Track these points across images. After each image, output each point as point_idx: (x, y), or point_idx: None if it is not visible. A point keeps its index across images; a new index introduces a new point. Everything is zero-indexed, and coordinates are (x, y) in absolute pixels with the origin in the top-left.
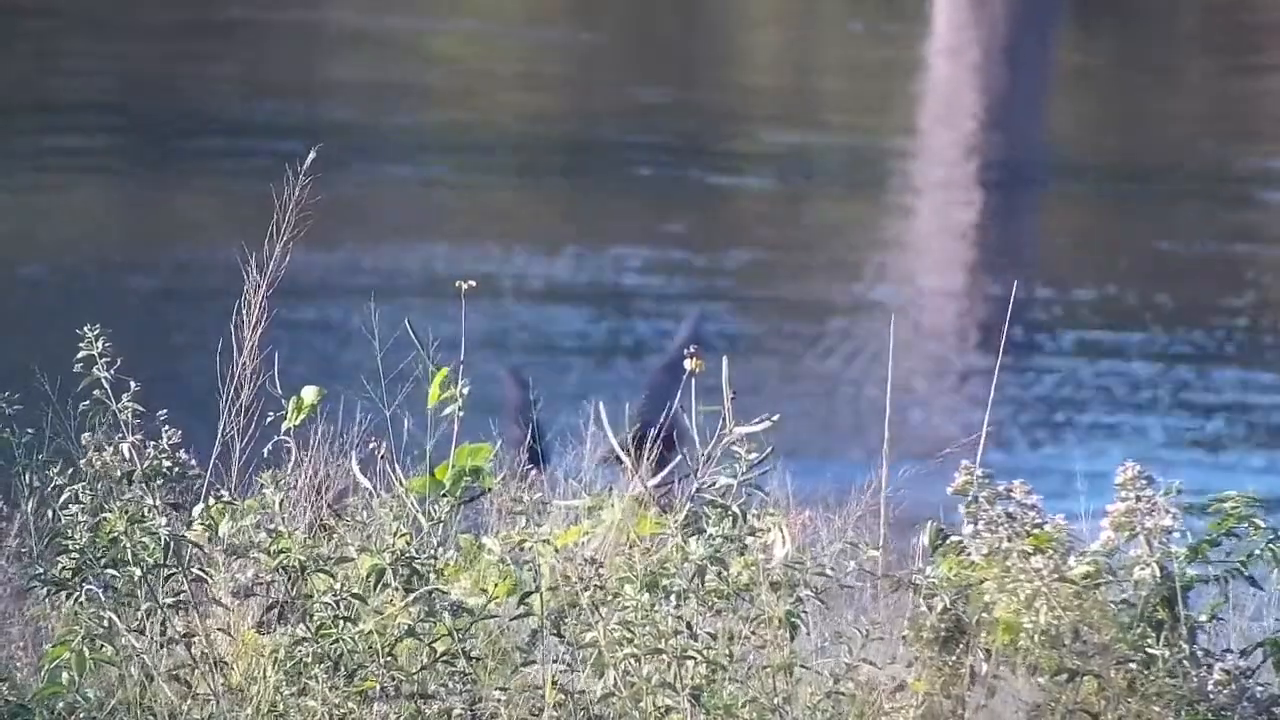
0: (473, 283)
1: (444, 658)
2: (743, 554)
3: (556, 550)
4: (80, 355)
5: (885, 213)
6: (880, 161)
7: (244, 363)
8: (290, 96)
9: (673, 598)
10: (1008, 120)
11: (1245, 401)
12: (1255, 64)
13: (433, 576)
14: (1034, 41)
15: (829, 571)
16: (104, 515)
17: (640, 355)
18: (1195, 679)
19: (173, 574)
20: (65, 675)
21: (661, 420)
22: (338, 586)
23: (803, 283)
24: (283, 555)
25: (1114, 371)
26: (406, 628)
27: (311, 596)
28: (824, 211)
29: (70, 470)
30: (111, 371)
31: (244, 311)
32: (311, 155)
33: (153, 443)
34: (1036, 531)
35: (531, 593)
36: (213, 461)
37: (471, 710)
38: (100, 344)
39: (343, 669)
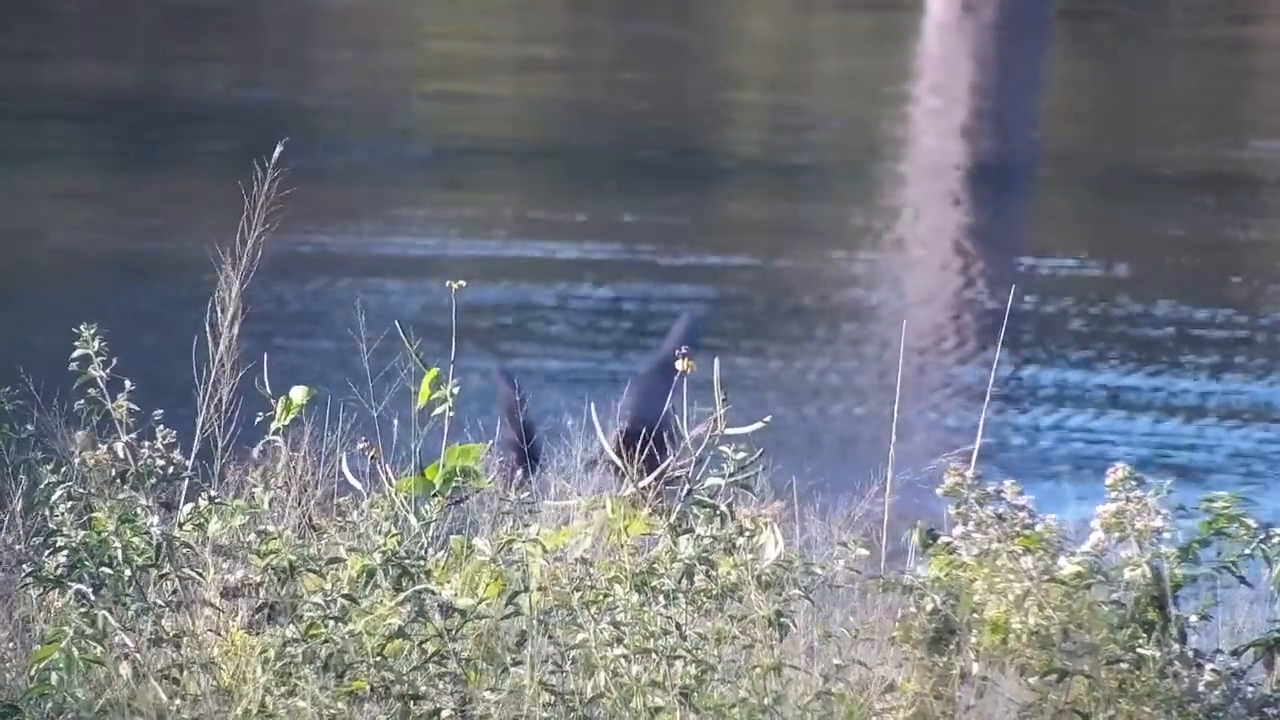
0: (462, 282)
1: (434, 658)
2: (731, 554)
3: (546, 551)
4: (75, 354)
5: (880, 205)
6: (875, 150)
7: (222, 358)
8: (281, 85)
9: (662, 598)
10: (1001, 109)
11: (1250, 401)
12: (1254, 40)
13: (423, 577)
14: (1028, 30)
15: (818, 570)
16: (94, 514)
17: (632, 354)
18: (1186, 679)
19: (164, 574)
20: (54, 675)
21: (653, 421)
22: (327, 587)
23: (797, 281)
24: (272, 555)
25: (1114, 370)
26: (396, 628)
27: (301, 597)
28: (818, 206)
29: (62, 468)
30: (107, 371)
31: (218, 308)
32: (279, 150)
33: (147, 442)
34: (1027, 532)
35: (521, 593)
36: (193, 459)
37: (461, 711)
38: (96, 343)
39: (332, 669)
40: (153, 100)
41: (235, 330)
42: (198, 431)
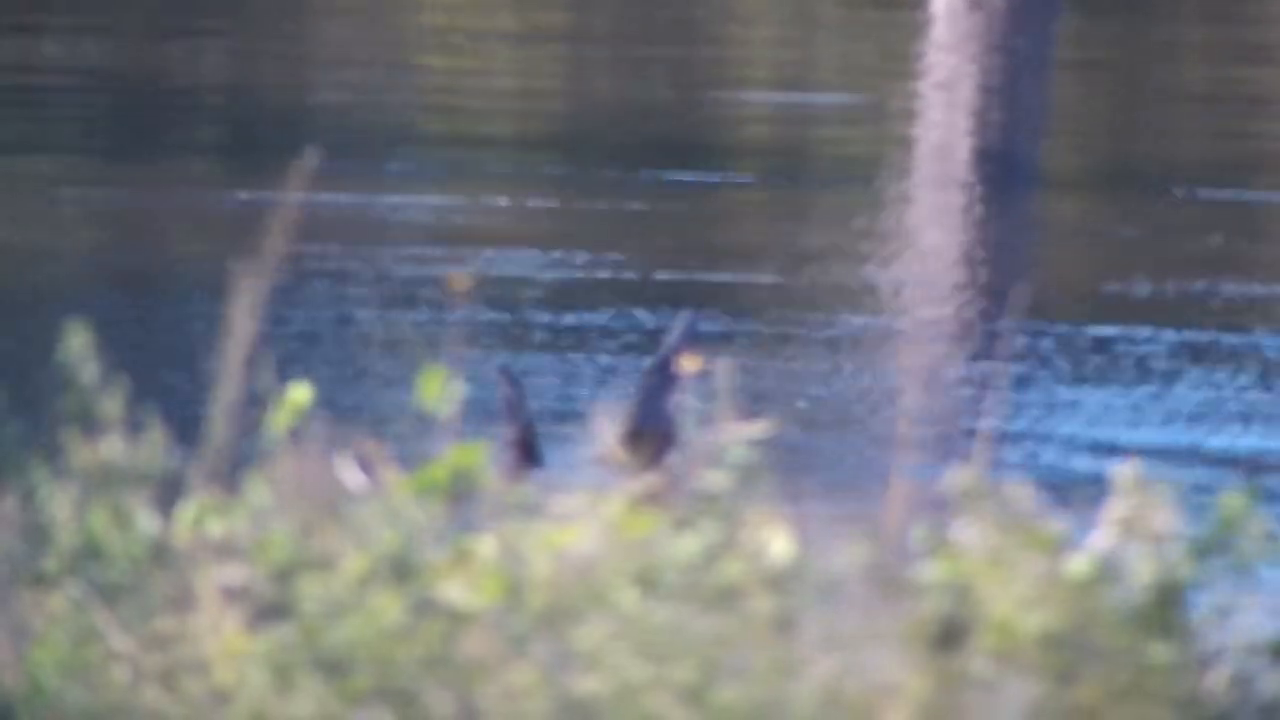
0: (465, 281)
1: (434, 658)
2: (735, 553)
3: (548, 550)
4: (67, 352)
5: (882, 204)
6: (880, 143)
7: (237, 359)
8: (281, 84)
9: (665, 597)
10: (1008, 107)
11: (1253, 406)
12: (1262, 38)
13: (423, 576)
14: (1035, 29)
15: (823, 571)
16: (89, 514)
17: (635, 354)
18: (1196, 681)
19: (159, 574)
20: (49, 678)
21: (655, 420)
22: (326, 587)
23: (799, 282)
24: (271, 555)
25: (1127, 368)
26: (396, 628)
27: (300, 597)
28: (819, 206)
29: (57, 468)
30: (98, 369)
31: (232, 312)
32: (310, 160)
33: (142, 441)
34: (1035, 532)
35: (523, 592)
36: (201, 460)
37: (462, 711)
38: (88, 341)
39: (331, 670)
40: (148, 78)
41: (250, 333)
42: (211, 430)
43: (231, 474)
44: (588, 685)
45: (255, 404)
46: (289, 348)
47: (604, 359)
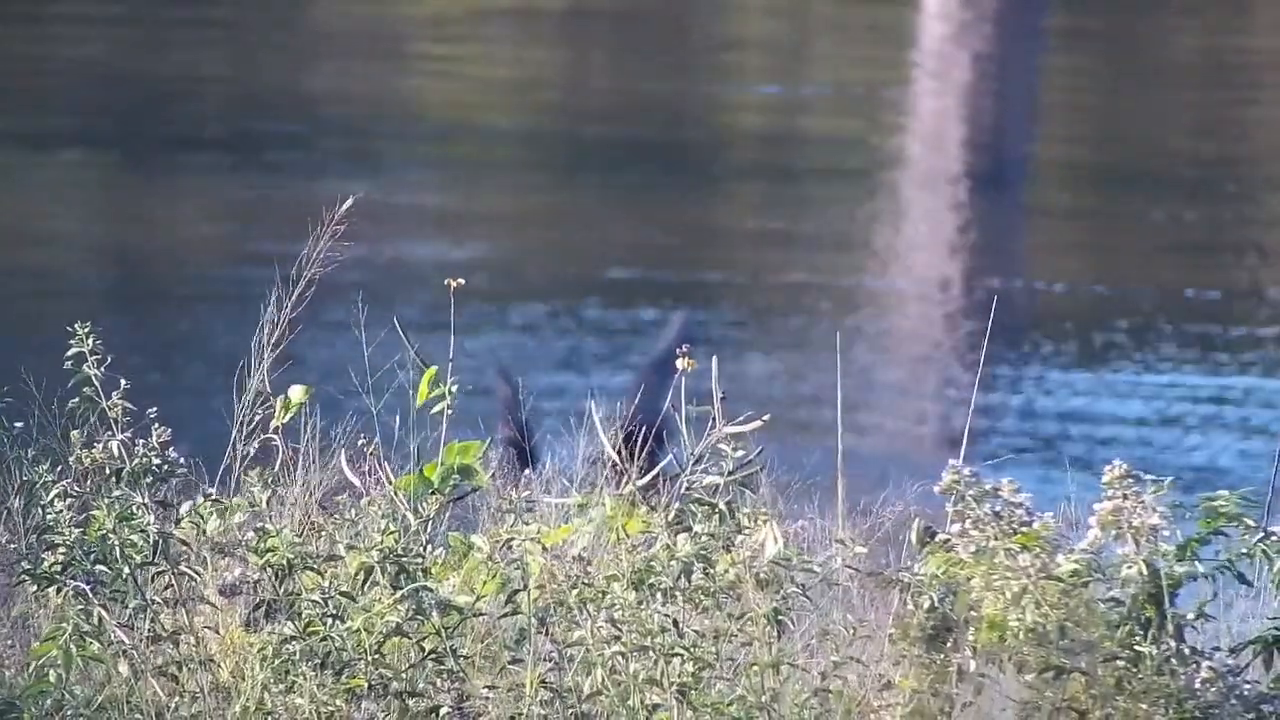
0: (461, 280)
1: (432, 656)
2: (729, 551)
3: (545, 549)
4: (70, 352)
5: (874, 210)
6: (869, 157)
7: (262, 366)
8: (280, 87)
9: (660, 595)
10: (998, 99)
11: (1241, 405)
12: (1250, 46)
13: (421, 574)
14: (1025, 22)
15: (815, 568)
16: (92, 513)
17: (630, 354)
18: (1183, 677)
19: (161, 572)
20: (53, 673)
21: (651, 419)
22: (326, 584)
23: (794, 282)
24: (270, 553)
25: (1115, 370)
26: (394, 626)
27: (299, 594)
28: (813, 208)
29: (59, 467)
30: (101, 369)
31: (266, 325)
32: (349, 202)
33: (142, 440)
34: (1024, 530)
35: (519, 590)
36: (219, 468)
37: (459, 708)
38: (90, 341)
39: (330, 667)
40: (150, 77)
41: (275, 342)
42: (235, 434)
43: (236, 473)
44: (583, 682)
45: (259, 402)
46: (286, 344)
47: (600, 357)
